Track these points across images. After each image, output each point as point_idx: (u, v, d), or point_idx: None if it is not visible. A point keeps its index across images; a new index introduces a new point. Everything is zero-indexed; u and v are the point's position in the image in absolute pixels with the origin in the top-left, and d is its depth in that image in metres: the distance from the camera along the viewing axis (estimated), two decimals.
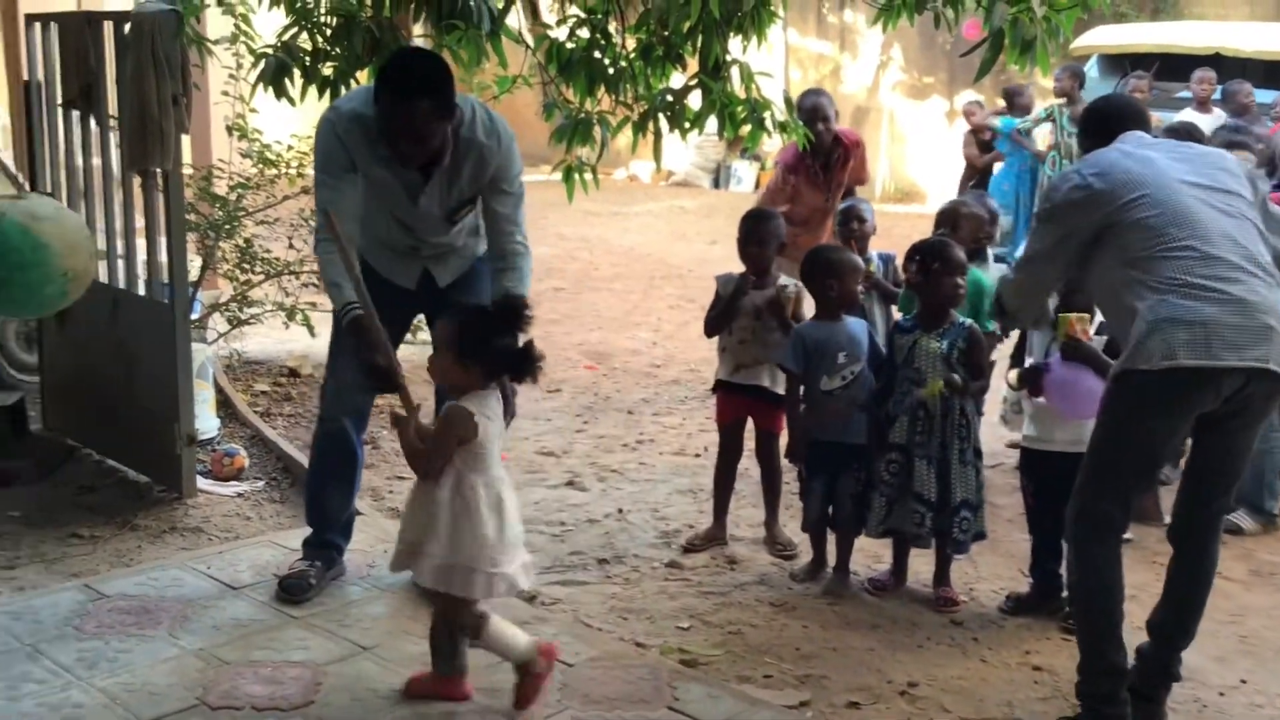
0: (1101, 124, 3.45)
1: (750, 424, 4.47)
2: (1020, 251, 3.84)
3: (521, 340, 3.08)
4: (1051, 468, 3.79)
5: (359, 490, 4.11)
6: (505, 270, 3.65)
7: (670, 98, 4.93)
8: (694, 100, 4.98)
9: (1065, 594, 3.69)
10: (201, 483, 4.72)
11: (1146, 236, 3.08)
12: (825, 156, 5.94)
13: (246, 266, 6.41)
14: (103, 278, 4.78)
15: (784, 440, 4.29)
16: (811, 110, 5.77)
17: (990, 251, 5.09)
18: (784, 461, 4.34)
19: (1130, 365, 3.02)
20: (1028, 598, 3.94)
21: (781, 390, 4.25)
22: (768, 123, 4.48)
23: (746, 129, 4.70)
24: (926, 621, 3.85)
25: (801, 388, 4.08)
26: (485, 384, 3.08)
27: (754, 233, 4.39)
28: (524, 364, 3.08)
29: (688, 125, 4.90)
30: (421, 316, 4.32)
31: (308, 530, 4.01)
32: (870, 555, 4.25)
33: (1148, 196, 3.11)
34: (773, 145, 7.38)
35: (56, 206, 4.48)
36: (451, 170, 3.58)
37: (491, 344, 3.04)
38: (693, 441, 5.72)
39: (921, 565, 4.09)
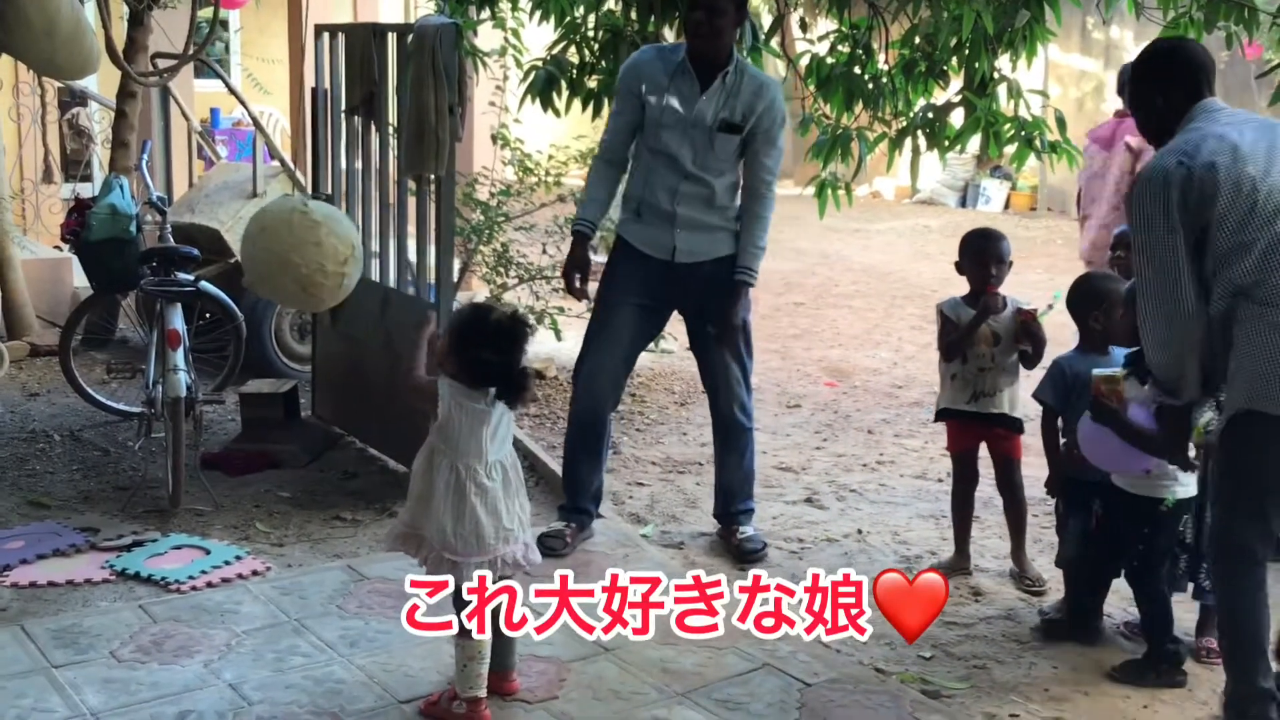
0: None
1: (986, 451, 4.31)
2: None
3: (520, 363, 3.05)
4: (1118, 497, 3.66)
5: (604, 462, 4.51)
6: (751, 218, 4.20)
7: (930, 114, 4.86)
8: (955, 117, 4.89)
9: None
10: None
11: None
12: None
13: (502, 270, 6.65)
14: (374, 276, 5.04)
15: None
16: None
17: None
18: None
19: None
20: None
21: (1019, 414, 4.11)
22: (1037, 143, 4.33)
23: (1012, 149, 4.58)
24: (1188, 671, 3.63)
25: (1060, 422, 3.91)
26: (469, 383, 3.04)
27: (983, 252, 4.20)
28: (507, 385, 3.05)
29: (948, 143, 4.81)
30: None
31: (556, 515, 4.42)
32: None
33: None
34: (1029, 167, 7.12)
35: (253, 217, 4.86)
36: (732, 87, 4.12)
37: (478, 352, 3.01)
38: (935, 466, 5.58)
39: (1183, 614, 3.86)
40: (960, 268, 4.27)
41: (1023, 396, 4.21)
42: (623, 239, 4.37)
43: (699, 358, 4.48)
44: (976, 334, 4.12)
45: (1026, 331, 4.13)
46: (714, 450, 4.58)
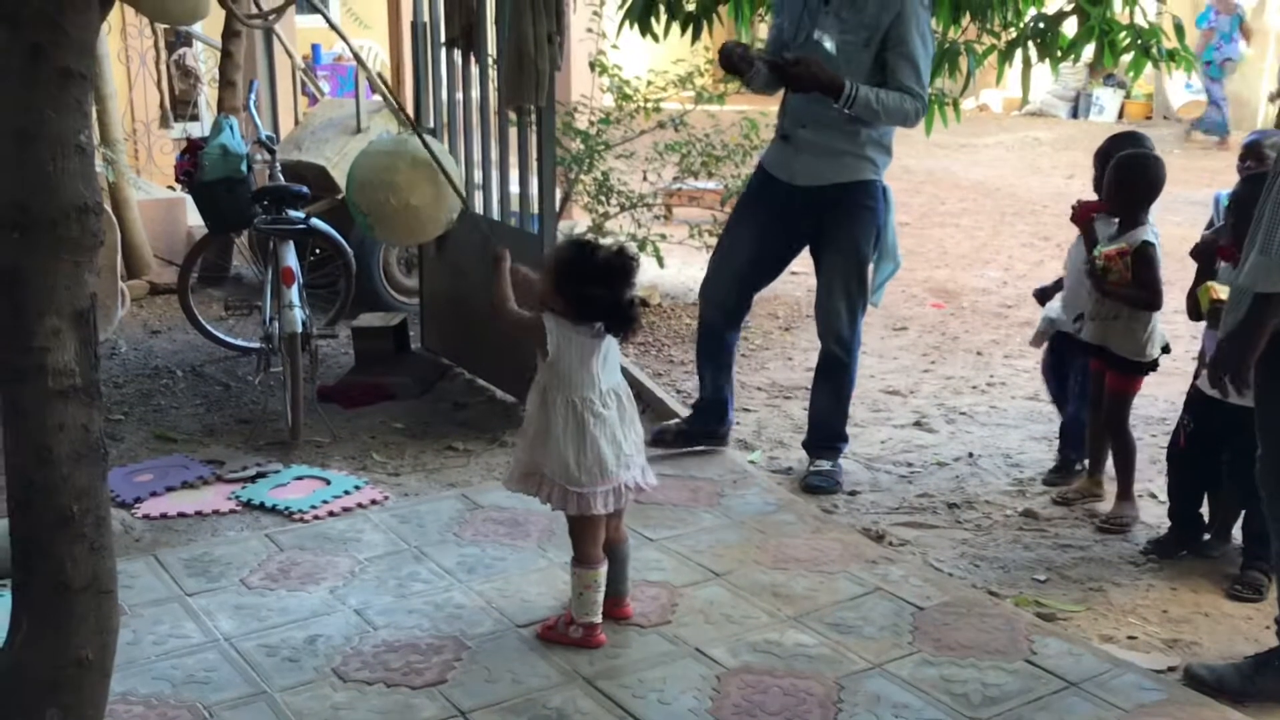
0: None
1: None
2: None
3: (625, 296, 3.03)
4: (1213, 416, 3.54)
5: (727, 374, 4.56)
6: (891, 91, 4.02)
7: (1042, 24, 4.70)
8: (1068, 26, 4.73)
9: (1208, 536, 3.77)
10: None
11: None
12: None
13: (603, 199, 6.64)
14: (478, 208, 5.08)
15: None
16: None
17: None
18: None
19: None
20: (1167, 540, 3.78)
21: (1125, 354, 3.94)
22: (1154, 51, 4.16)
23: (1128, 58, 4.41)
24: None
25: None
26: (575, 320, 3.03)
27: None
28: (615, 319, 3.03)
29: (1060, 54, 4.66)
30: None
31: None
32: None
33: None
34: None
35: (370, 148, 4.82)
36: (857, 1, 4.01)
37: (584, 287, 2.99)
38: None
39: None
40: None
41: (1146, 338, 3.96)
42: (762, 163, 4.41)
43: (818, 287, 4.42)
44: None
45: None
46: (812, 379, 4.54)
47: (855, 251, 4.21)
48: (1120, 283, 3.85)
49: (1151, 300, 3.86)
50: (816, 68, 3.97)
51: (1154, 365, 4.01)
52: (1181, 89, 13.50)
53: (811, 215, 4.22)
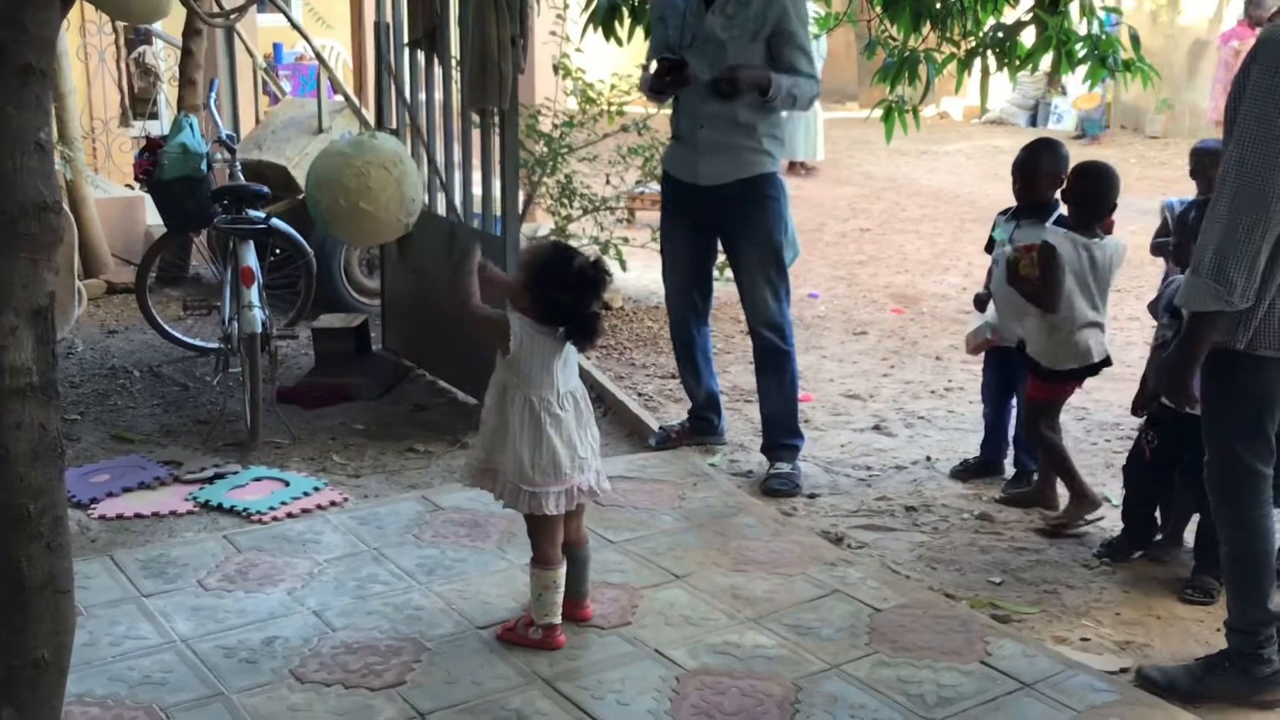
0: None
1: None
2: None
3: (593, 308, 3.06)
4: (1179, 429, 3.53)
5: (708, 372, 4.71)
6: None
7: (1000, 34, 4.76)
8: (1026, 36, 4.79)
9: (1159, 538, 3.82)
10: None
11: None
12: None
13: (566, 201, 6.65)
14: (440, 210, 5.07)
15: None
16: None
17: None
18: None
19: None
20: (1120, 543, 3.82)
21: (1037, 357, 4.02)
22: (1110, 62, 4.23)
23: (1085, 68, 4.47)
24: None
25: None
26: (539, 321, 3.05)
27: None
28: (577, 329, 3.05)
29: (1018, 63, 4.72)
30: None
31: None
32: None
33: None
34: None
35: (329, 147, 4.81)
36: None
37: (555, 293, 3.01)
38: None
39: None
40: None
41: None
42: (664, 167, 4.54)
43: (736, 281, 4.51)
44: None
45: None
46: (755, 377, 4.57)
47: (769, 240, 4.33)
48: (1028, 278, 3.93)
49: (1046, 300, 3.91)
50: (744, 73, 4.09)
51: (1071, 375, 4.05)
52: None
53: (717, 212, 4.34)
